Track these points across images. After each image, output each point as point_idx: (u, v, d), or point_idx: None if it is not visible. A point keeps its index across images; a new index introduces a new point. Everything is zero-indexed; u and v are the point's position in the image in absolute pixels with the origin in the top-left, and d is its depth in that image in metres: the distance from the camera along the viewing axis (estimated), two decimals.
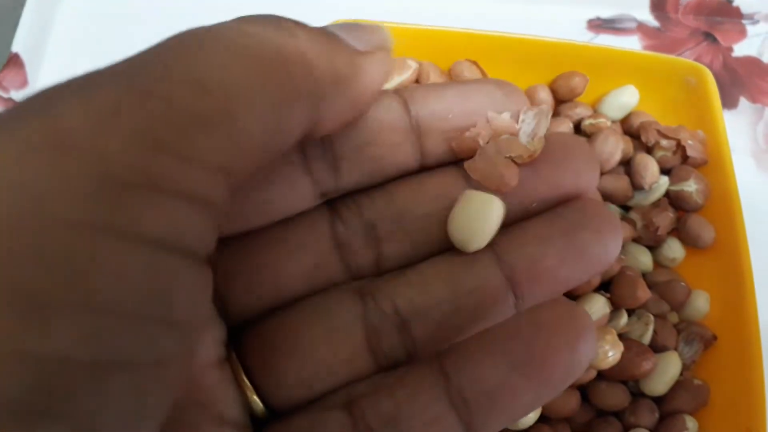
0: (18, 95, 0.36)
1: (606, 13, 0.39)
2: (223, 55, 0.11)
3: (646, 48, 0.39)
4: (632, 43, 0.39)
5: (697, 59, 0.38)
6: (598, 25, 0.39)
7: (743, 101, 0.37)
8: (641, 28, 0.39)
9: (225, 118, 0.11)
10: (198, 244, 0.11)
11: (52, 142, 0.09)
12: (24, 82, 0.36)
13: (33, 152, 0.09)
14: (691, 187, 0.29)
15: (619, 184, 0.30)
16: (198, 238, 0.11)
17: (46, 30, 0.37)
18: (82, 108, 0.10)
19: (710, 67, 0.38)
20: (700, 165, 0.30)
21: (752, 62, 0.39)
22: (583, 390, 0.27)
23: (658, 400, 0.27)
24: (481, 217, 0.14)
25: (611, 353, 0.24)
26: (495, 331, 0.14)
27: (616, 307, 0.27)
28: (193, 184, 0.10)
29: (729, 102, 0.37)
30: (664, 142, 0.30)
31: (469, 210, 0.15)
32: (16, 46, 0.36)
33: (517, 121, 0.15)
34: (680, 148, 0.30)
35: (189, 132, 0.10)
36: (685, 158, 0.30)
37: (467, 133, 0.15)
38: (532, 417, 0.25)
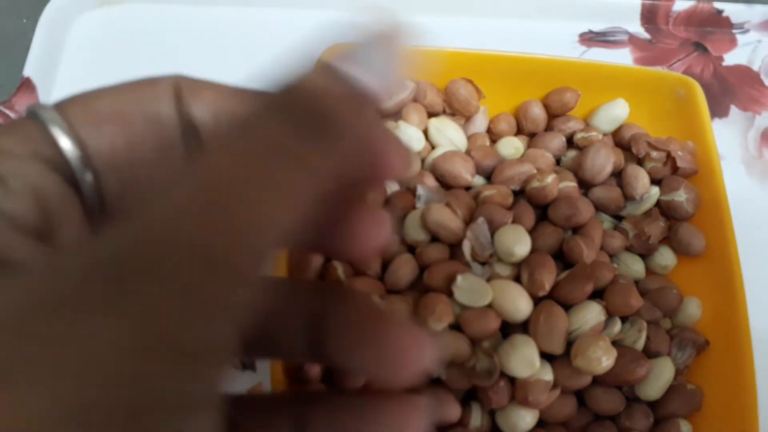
0: None
1: (597, 26, 0.40)
2: None
3: (637, 60, 0.40)
4: (624, 56, 0.40)
5: (687, 69, 0.39)
6: (590, 38, 0.40)
7: (734, 109, 0.38)
8: (632, 40, 0.40)
9: None
10: None
11: None
12: None
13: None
14: (681, 196, 0.30)
15: (611, 195, 0.31)
16: None
17: (56, 54, 0.39)
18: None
19: (701, 76, 0.39)
20: (690, 175, 0.31)
21: (743, 71, 0.40)
22: (580, 395, 0.27)
23: (653, 405, 0.27)
24: None
25: (605, 360, 0.25)
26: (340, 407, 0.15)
27: (609, 314, 0.27)
28: None
29: (720, 111, 0.38)
30: (654, 154, 0.31)
31: None
32: (28, 71, 0.37)
33: None
34: (670, 158, 0.31)
35: None
36: (675, 169, 0.31)
37: None
38: (529, 422, 0.26)
